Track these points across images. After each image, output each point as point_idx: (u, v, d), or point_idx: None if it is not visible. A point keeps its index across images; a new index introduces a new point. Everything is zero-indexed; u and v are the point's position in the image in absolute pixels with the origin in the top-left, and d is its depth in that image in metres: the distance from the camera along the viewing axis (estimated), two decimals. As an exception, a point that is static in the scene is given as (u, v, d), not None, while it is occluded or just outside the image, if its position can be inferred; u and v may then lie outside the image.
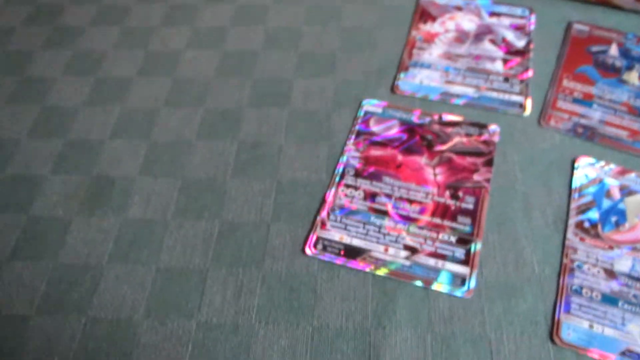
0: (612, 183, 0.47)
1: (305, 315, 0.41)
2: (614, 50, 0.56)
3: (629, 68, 0.54)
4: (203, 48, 0.60)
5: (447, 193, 0.47)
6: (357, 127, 0.51)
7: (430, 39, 0.59)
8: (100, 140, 0.52)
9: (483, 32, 0.59)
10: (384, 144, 0.50)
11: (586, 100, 0.52)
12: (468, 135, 0.50)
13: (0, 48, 0.62)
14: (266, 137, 0.52)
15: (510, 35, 0.58)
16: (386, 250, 0.43)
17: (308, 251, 0.44)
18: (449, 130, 0.51)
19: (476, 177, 0.47)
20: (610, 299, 0.41)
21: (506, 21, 0.59)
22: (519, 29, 0.59)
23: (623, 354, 0.38)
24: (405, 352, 0.39)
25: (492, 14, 0.60)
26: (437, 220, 0.45)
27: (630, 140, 0.49)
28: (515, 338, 0.39)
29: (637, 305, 0.40)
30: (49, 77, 0.58)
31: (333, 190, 0.47)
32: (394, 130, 0.51)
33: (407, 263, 0.43)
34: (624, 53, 0.56)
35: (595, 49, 0.56)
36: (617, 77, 0.54)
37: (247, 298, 0.42)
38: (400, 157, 0.49)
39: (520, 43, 0.57)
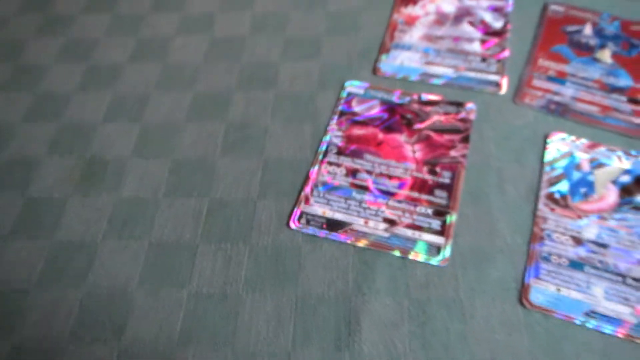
0: (582, 156, 0.49)
1: (290, 285, 0.43)
2: (588, 29, 0.58)
3: (602, 46, 0.56)
4: (192, 34, 0.62)
5: (425, 169, 0.49)
6: (340, 108, 0.54)
7: (411, 21, 0.61)
8: (94, 124, 0.54)
9: (462, 14, 0.61)
10: (365, 123, 0.52)
11: (560, 78, 0.54)
12: (446, 113, 0.52)
13: (-6, 37, 0.64)
14: (253, 119, 0.54)
15: (488, 17, 0.60)
16: (366, 223, 0.46)
17: (292, 225, 0.46)
18: (428, 109, 0.53)
19: (453, 153, 0.50)
20: (577, 265, 0.43)
21: (484, 3, 0.61)
22: (496, 10, 0.61)
23: (587, 314, 0.41)
24: (383, 317, 0.42)
25: (472, -4, 0.62)
26: (415, 194, 0.47)
27: (601, 116, 0.51)
28: (487, 302, 0.42)
29: (601, 270, 0.43)
30: (42, 65, 0.60)
31: (317, 167, 0.49)
32: (375, 110, 0.53)
33: (386, 234, 0.45)
34: (598, 32, 0.58)
35: (570, 28, 0.58)
36: (590, 55, 0.56)
37: (235, 269, 0.44)
38: (380, 135, 0.51)
39: (497, 24, 0.59)
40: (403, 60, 0.57)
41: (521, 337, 0.40)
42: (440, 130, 0.51)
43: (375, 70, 0.57)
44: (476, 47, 0.57)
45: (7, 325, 0.42)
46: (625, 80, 0.53)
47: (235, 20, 0.63)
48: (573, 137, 0.50)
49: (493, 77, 0.55)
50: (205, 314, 0.42)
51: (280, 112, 0.54)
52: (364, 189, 0.48)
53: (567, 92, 0.53)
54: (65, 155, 0.52)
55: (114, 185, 0.50)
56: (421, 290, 0.43)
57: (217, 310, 0.42)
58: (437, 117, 0.52)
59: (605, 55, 0.55)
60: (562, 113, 0.52)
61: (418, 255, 0.44)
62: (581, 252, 0.44)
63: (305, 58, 0.59)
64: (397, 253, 0.44)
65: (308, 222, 0.46)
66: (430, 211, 0.46)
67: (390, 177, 0.48)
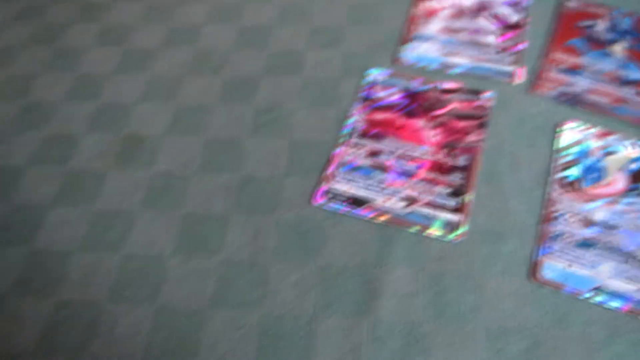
0: (594, 144, 0.51)
1: (314, 255, 0.46)
2: (602, 24, 0.60)
3: (615, 41, 0.59)
4: (221, 22, 0.65)
5: (443, 152, 0.52)
6: (362, 94, 0.56)
7: (431, 14, 0.63)
8: (130, 104, 0.58)
9: (480, 8, 0.63)
10: (386, 108, 0.55)
11: (573, 70, 0.57)
12: (463, 101, 0.55)
13: (35, 22, 0.67)
14: (280, 102, 0.57)
15: (505, 11, 0.63)
16: (387, 200, 0.49)
17: (317, 201, 0.49)
18: (446, 96, 0.56)
19: (470, 138, 0.52)
20: (585, 244, 0.46)
21: (503, -2, 0.64)
22: (513, 5, 0.63)
23: (594, 290, 0.43)
24: (401, 287, 0.44)
25: (490, -9, 0.65)
26: (434, 175, 0.50)
27: (613, 106, 0.54)
28: (498, 276, 0.45)
29: (609, 250, 0.45)
30: (80, 49, 0.64)
31: (340, 148, 0.52)
32: (396, 96, 0.56)
33: (406, 211, 0.48)
34: (611, 27, 0.60)
35: (584, 23, 0.61)
36: (603, 49, 0.58)
37: (262, 240, 0.47)
38: (401, 120, 0.54)
39: (514, 18, 0.62)
40: (423, 51, 0.60)
41: (530, 309, 0.43)
42: (458, 117, 0.54)
43: (396, 60, 0.59)
44: (493, 39, 0.60)
45: (52, 283, 0.46)
46: (636, 73, 0.56)
47: (262, 10, 0.66)
48: (585, 126, 0.53)
49: (509, 68, 0.57)
50: (234, 280, 0.45)
51: (306, 96, 0.57)
52: (385, 169, 0.51)
53: (580, 83, 0.55)
54: (104, 131, 0.55)
55: (150, 160, 0.53)
56: (437, 264, 0.45)
57: (246, 277, 0.45)
58: (455, 104, 0.55)
59: (618, 50, 0.58)
60: (575, 103, 0.54)
61: (435, 231, 0.47)
62: (590, 232, 0.46)
63: (328, 47, 0.61)
64: (415, 229, 0.47)
65: (332, 198, 0.49)
66: (447, 191, 0.49)
67: (410, 159, 0.51)
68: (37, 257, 0.47)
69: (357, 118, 0.54)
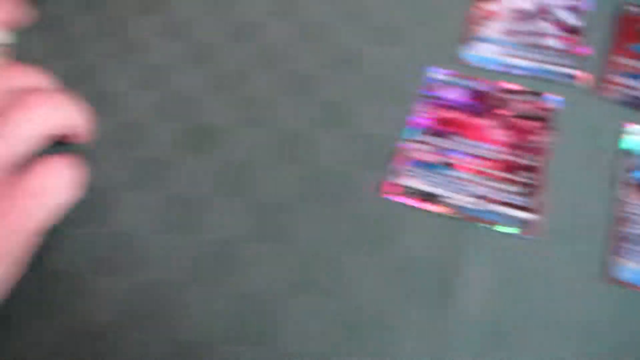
0: (660, 147, 0.52)
1: (387, 248, 0.47)
2: (662, 31, 0.61)
3: (677, 47, 0.59)
4: (282, 19, 0.66)
5: (510, 151, 0.52)
6: (425, 92, 0.57)
7: (491, 16, 0.64)
8: (196, 94, 0.59)
9: (540, 12, 0.64)
10: (450, 106, 0.56)
11: (637, 74, 0.57)
12: (527, 102, 0.56)
13: (98, 15, 0.68)
14: (341, 98, 0.58)
15: (565, 15, 0.63)
16: (455, 196, 0.49)
17: (385, 195, 0.50)
18: (510, 97, 0.56)
19: (535, 138, 0.53)
20: (656, 245, 0.46)
21: (561, 1, 0.64)
22: (573, 8, 0.64)
23: (668, 289, 0.44)
24: (475, 282, 0.45)
25: (548, -5, 0.65)
26: (502, 174, 0.50)
27: (677, 111, 0.54)
28: (571, 275, 0.45)
29: (681, 251, 0.46)
30: (144, 41, 0.65)
31: (406, 144, 0.53)
32: (459, 95, 0.57)
33: (475, 208, 0.48)
34: (672, 34, 0.60)
35: (645, 29, 0.61)
36: (665, 55, 0.59)
37: (335, 231, 0.48)
38: (465, 119, 0.55)
39: (575, 22, 0.62)
40: (484, 51, 0.60)
41: (603, 308, 0.43)
42: (523, 117, 0.54)
43: (457, 59, 0.60)
44: (554, 42, 0.60)
45: (126, 264, 0.47)
46: (700, 80, 0.56)
47: (322, 8, 0.67)
48: (650, 129, 0.53)
49: (571, 71, 0.58)
50: (311, 270, 0.46)
51: (368, 93, 0.58)
52: (451, 166, 0.51)
53: (644, 87, 0.56)
54: (171, 121, 0.56)
55: (221, 148, 0.54)
56: (507, 260, 0.46)
57: (323, 268, 0.46)
58: (519, 105, 0.55)
59: (681, 56, 0.58)
60: (639, 106, 0.55)
61: (505, 228, 0.47)
62: (660, 234, 0.47)
63: (389, 45, 0.62)
64: (485, 225, 0.48)
65: (401, 192, 0.50)
66: (516, 190, 0.49)
67: (476, 157, 0.52)
68: (111, 238, 0.48)
69: (421, 115, 0.55)
